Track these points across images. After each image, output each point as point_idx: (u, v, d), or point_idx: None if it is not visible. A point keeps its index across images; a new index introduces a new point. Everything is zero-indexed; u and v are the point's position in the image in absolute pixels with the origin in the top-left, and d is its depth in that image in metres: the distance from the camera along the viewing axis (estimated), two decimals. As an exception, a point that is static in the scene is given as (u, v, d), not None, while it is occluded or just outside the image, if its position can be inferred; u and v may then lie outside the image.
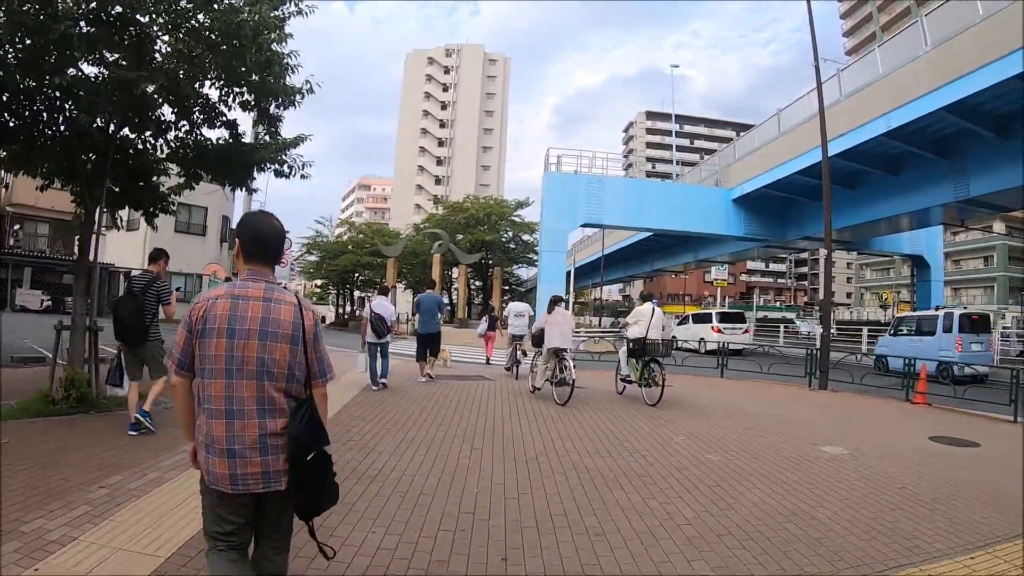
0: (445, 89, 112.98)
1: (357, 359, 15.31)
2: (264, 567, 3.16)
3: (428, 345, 14.92)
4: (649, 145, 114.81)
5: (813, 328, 53.21)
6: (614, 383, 13.98)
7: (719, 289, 72.05)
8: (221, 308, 2.96)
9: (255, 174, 12.54)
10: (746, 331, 33.25)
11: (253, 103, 10.84)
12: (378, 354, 13.41)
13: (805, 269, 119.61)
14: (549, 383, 12.50)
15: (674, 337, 30.10)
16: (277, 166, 11.83)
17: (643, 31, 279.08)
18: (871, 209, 28.51)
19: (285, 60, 10.49)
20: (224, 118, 11.13)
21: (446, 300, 57.41)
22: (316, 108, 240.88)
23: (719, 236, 36.52)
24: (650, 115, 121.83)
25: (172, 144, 11.37)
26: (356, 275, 60.84)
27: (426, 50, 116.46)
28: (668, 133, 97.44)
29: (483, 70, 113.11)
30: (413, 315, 15.21)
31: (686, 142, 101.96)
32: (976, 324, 21.74)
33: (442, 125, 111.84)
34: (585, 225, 35.67)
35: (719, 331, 31.12)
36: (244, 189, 13.07)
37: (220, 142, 11.38)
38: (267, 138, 11.73)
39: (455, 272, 56.18)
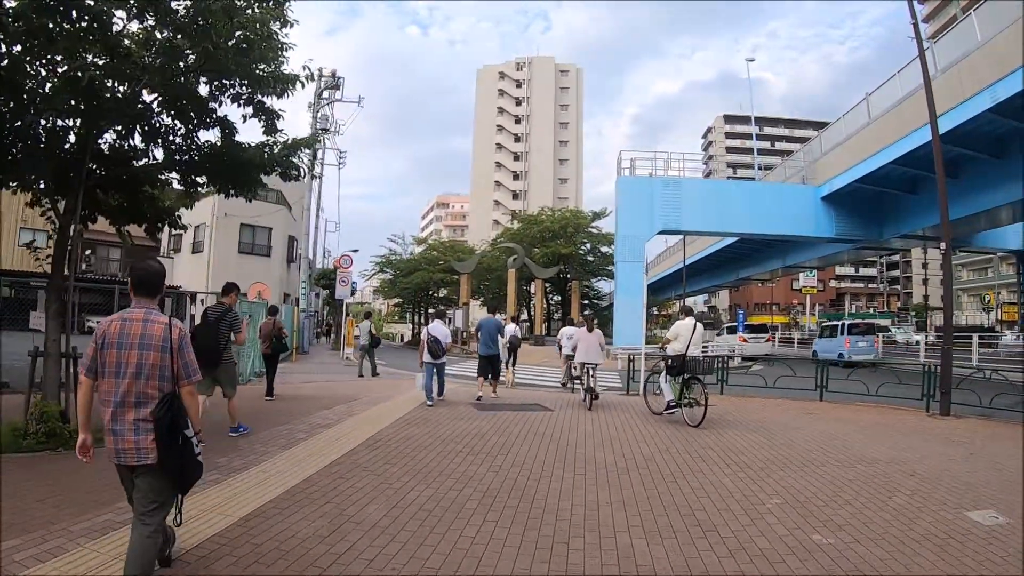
0: (518, 103, 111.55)
1: (416, 378, 16.09)
2: (137, 529, 4.02)
3: (489, 366, 15.22)
4: (729, 150, 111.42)
5: (910, 336, 49.99)
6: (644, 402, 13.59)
7: (808, 297, 68.82)
8: (114, 328, 4.09)
9: (263, 178, 11.39)
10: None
11: (246, 96, 9.99)
12: (434, 373, 13.85)
13: (897, 272, 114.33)
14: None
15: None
16: (284, 169, 11.03)
17: (719, 35, 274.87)
18: (973, 200, 25.36)
19: (275, 40, 9.47)
20: (214, 115, 10.22)
21: (524, 316, 56.14)
22: (398, 130, 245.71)
23: (808, 238, 33.59)
24: (728, 119, 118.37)
25: (164, 149, 10.46)
26: (431, 293, 59.62)
27: (497, 65, 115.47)
28: (748, 136, 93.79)
29: (555, 81, 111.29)
30: (475, 336, 16.85)
31: (767, 145, 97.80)
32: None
33: (517, 139, 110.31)
34: (663, 232, 33.16)
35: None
36: (251, 194, 11.65)
37: (218, 144, 10.52)
38: (270, 137, 10.68)
39: (533, 287, 54.21)
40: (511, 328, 20.13)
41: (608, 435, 10.19)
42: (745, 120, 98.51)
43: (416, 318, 68.56)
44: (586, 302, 60.60)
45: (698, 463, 8.33)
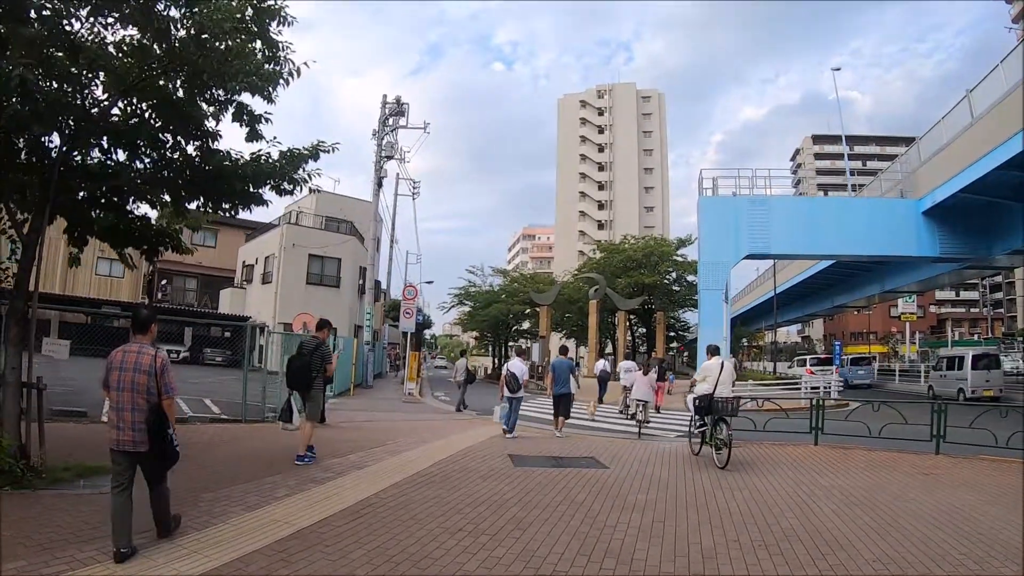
0: (600, 131, 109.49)
1: (494, 410, 17.55)
2: (153, 496, 5.94)
3: (561, 404, 15.51)
4: (819, 172, 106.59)
5: (1020, 364, 46.34)
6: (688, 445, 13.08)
7: (907, 324, 64.77)
8: (118, 356, 5.79)
9: (263, 193, 10.31)
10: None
11: (224, 97, 9.27)
12: (511, 407, 15.03)
13: (999, 295, 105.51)
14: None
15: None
16: (285, 184, 10.11)
17: (803, 57, 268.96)
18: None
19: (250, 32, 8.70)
20: (194, 123, 9.32)
21: (610, 350, 54.39)
22: (487, 165, 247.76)
23: (908, 259, 30.39)
24: (817, 139, 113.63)
25: (140, 161, 9.79)
26: (510, 325, 57.98)
27: (577, 93, 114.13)
28: (838, 156, 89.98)
29: (637, 108, 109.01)
30: (550, 377, 16.16)
31: (858, 164, 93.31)
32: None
33: (601, 168, 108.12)
34: (750, 257, 30.29)
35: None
36: (246, 209, 10.57)
37: (199, 155, 9.66)
38: (263, 147, 9.78)
39: (616, 319, 51.78)
40: (600, 364, 24.07)
41: (661, 511, 7.84)
42: (834, 140, 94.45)
43: (497, 351, 66.85)
44: (672, 334, 57.96)
45: (782, 552, 6.19)
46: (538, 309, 48.10)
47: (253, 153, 9.78)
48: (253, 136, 9.58)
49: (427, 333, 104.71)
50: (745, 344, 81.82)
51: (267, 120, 9.71)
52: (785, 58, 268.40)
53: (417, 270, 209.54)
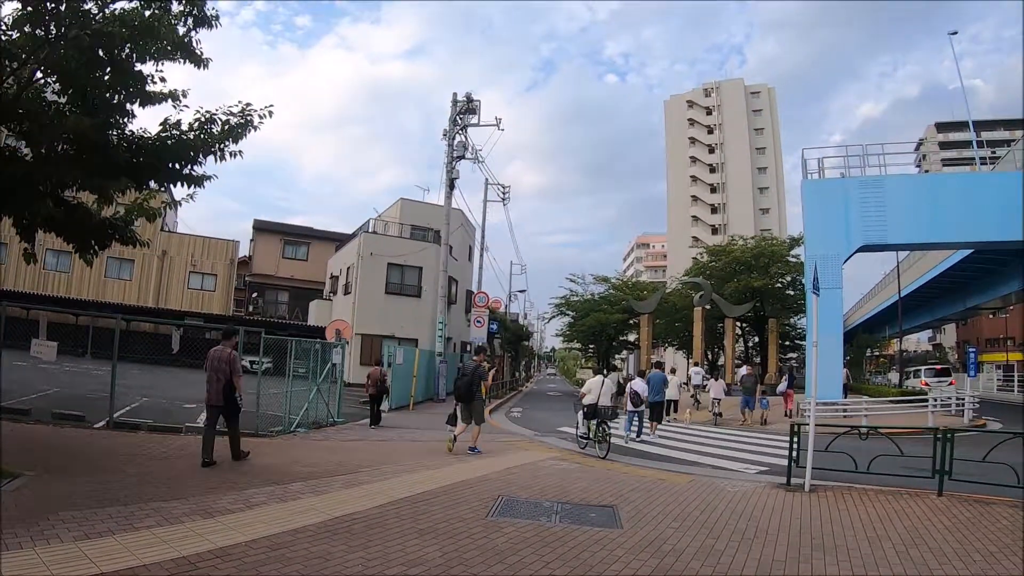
0: (710, 131, 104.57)
1: (620, 421, 18.98)
2: (230, 434, 10.72)
3: (654, 410, 19.29)
4: (945, 163, 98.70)
5: None
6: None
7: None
8: (211, 353, 10.68)
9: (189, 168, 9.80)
10: None
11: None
12: (634, 418, 18.09)
13: None
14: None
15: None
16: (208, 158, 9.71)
17: (920, 47, 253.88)
18: None
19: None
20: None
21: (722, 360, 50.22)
22: (604, 177, 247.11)
23: None
24: (940, 127, 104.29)
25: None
26: (611, 336, 54.73)
27: (684, 94, 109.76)
28: (965, 145, 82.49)
29: (747, 104, 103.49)
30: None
31: (987, 153, 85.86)
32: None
33: (712, 170, 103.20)
34: (864, 249, 25.79)
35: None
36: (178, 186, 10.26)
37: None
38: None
39: (724, 326, 47.85)
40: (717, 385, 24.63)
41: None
42: (960, 127, 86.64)
43: (600, 363, 63.63)
44: (786, 343, 53.49)
45: None
46: (639, 319, 44.51)
47: (164, 126, 9.37)
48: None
49: (547, 346, 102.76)
50: (871, 354, 75.64)
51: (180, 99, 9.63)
52: (902, 50, 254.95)
53: (521, 280, 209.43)
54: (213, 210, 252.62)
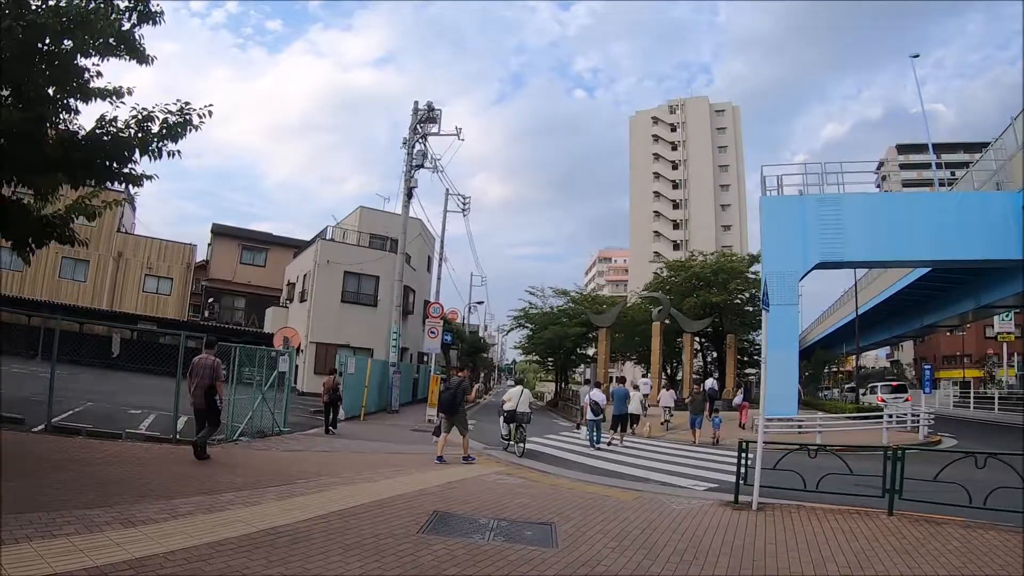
0: (674, 148, 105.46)
1: (581, 430, 22.15)
2: (205, 430, 11.69)
3: (620, 421, 20.84)
4: (904, 183, 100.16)
5: None
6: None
7: (1004, 345, 59.11)
8: (196, 360, 11.76)
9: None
10: None
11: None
12: (595, 427, 19.74)
13: None
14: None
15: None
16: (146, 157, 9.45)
17: (884, 70, 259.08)
18: None
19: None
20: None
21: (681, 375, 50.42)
22: (570, 191, 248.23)
23: (1009, 263, 25.32)
24: (901, 149, 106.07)
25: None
26: (568, 348, 54.53)
27: (649, 110, 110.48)
28: (924, 167, 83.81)
29: (711, 122, 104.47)
30: (608, 402, 21.79)
31: (946, 174, 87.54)
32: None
33: (675, 186, 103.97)
34: (821, 266, 25.80)
35: None
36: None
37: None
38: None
39: (683, 342, 47.90)
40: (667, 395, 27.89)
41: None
42: (920, 149, 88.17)
43: (559, 377, 63.41)
44: (745, 358, 53.85)
45: None
46: (597, 332, 44.38)
47: (100, 122, 9.14)
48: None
49: (508, 359, 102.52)
50: (832, 369, 76.42)
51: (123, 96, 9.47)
52: (867, 72, 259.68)
53: (482, 292, 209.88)
54: (176, 213, 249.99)
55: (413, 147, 30.73)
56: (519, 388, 18.30)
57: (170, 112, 9.32)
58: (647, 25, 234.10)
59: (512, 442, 17.26)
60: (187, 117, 9.38)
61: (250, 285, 47.16)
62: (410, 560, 6.24)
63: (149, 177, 9.87)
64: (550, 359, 62.69)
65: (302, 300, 37.28)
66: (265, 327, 41.45)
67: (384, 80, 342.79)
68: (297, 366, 35.60)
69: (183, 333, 13.54)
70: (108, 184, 9.93)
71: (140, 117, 9.23)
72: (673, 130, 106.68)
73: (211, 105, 9.49)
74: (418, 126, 30.89)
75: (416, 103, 31.20)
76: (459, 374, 16.01)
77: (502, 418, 17.84)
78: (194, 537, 6.49)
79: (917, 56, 38.28)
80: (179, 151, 9.47)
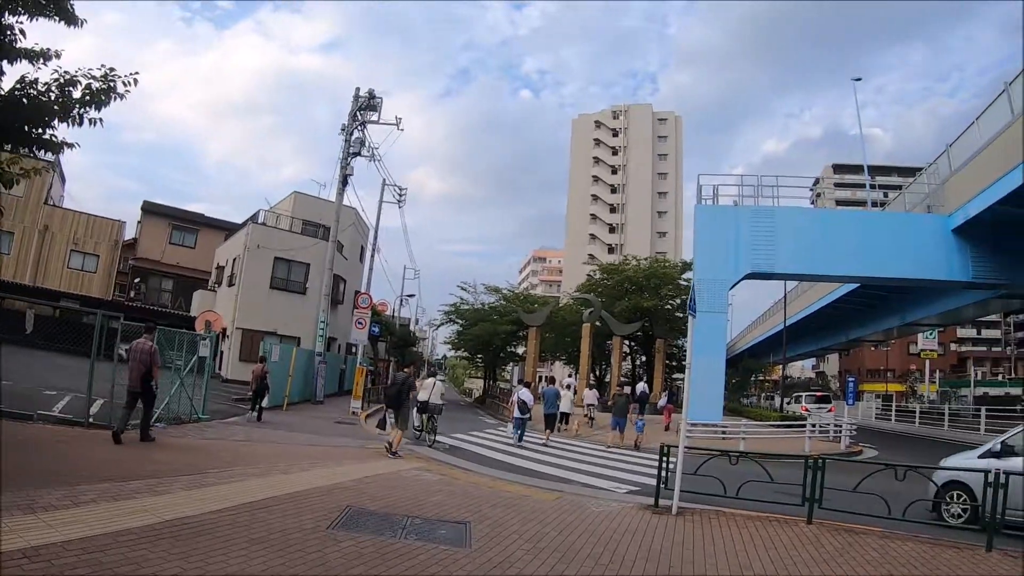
0: (614, 152, 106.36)
1: (508, 427, 23.26)
2: (144, 413, 12.29)
3: (550, 419, 21.91)
4: (838, 202, 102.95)
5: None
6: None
7: (927, 361, 61.02)
8: (135, 343, 12.28)
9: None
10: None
11: None
12: (521, 424, 20.48)
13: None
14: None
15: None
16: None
17: (827, 93, 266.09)
18: None
19: None
20: None
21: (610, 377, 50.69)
22: (510, 190, 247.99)
23: (936, 283, 26.05)
24: (837, 168, 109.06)
25: None
26: (497, 346, 54.51)
27: (592, 114, 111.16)
28: (859, 186, 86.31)
29: (653, 130, 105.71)
30: (538, 401, 23.27)
31: (879, 195, 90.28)
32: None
33: (613, 190, 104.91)
34: (752, 276, 26.12)
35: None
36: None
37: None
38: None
39: (613, 344, 48.17)
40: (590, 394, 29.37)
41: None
42: (855, 169, 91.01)
43: (488, 374, 63.33)
44: (674, 363, 54.41)
45: None
46: (527, 331, 44.37)
47: (19, 84, 8.71)
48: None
49: (439, 354, 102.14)
50: (759, 378, 77.88)
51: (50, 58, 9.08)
52: (809, 93, 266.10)
53: (415, 285, 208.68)
54: (110, 189, 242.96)
55: (351, 134, 30.17)
56: (432, 380, 18.56)
57: (94, 78, 8.90)
58: (598, 31, 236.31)
59: (424, 432, 17.80)
60: (111, 84, 8.97)
61: (179, 267, 45.85)
62: (316, 557, 6.04)
63: (70, 145, 9.38)
64: (479, 356, 62.68)
65: (230, 284, 36.43)
66: (192, 310, 40.34)
67: (330, 67, 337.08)
68: (222, 352, 34.92)
69: (99, 312, 13.12)
70: (25, 149, 9.45)
71: (62, 81, 8.81)
72: (615, 135, 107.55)
73: (137, 73, 9.10)
74: (358, 113, 30.34)
75: (357, 89, 30.65)
76: (405, 370, 16.59)
77: (415, 409, 17.79)
78: (95, 526, 6.23)
79: (859, 80, 39.16)
80: (101, 119, 9.07)
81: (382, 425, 16.42)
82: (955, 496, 10.77)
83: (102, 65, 9.00)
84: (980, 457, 11.26)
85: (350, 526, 7.33)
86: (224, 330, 33.83)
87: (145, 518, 6.70)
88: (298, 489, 9.15)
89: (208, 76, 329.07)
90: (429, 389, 17.76)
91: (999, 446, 11.08)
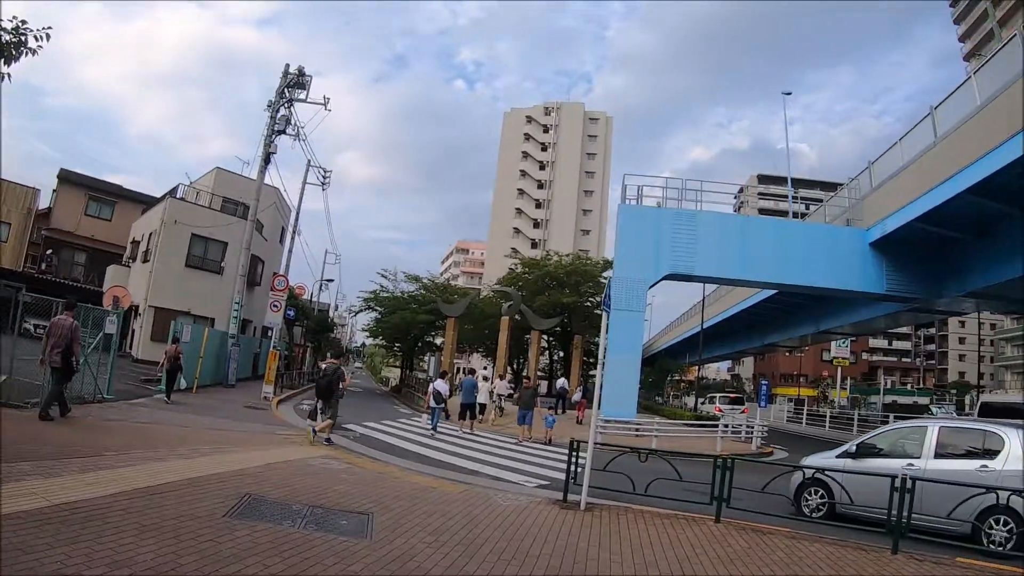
0: (544, 148, 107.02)
1: (423, 416, 24.51)
2: (52, 387, 12.25)
3: (467, 409, 22.38)
4: (762, 211, 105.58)
5: (952, 416, 44.86)
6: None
7: (839, 369, 63.09)
8: (55, 320, 12.41)
9: None
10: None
11: None
12: (436, 414, 21.01)
13: (932, 347, 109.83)
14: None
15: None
16: None
17: (756, 107, 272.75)
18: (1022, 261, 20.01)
19: None
20: None
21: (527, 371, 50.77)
22: (439, 180, 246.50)
23: (851, 294, 27.01)
24: (762, 179, 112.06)
25: None
26: (415, 335, 54.25)
27: (525, 108, 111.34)
28: (782, 198, 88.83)
29: (583, 129, 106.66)
30: (457, 391, 25.05)
31: (801, 207, 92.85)
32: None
33: (540, 186, 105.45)
34: (671, 277, 26.37)
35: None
36: None
37: None
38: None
39: (531, 339, 48.34)
40: (502, 384, 30.64)
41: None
42: (780, 181, 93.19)
43: (405, 363, 62.88)
44: (591, 360, 54.82)
45: None
46: (446, 322, 44.20)
47: None
48: None
49: (358, 341, 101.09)
50: (675, 378, 79.31)
51: None
52: (740, 105, 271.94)
53: (336, 271, 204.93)
54: (23, 153, 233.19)
55: (277, 111, 29.47)
56: (333, 365, 18.27)
57: (3, 29, 8.33)
58: (536, 28, 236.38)
59: (319, 413, 17.33)
60: (22, 38, 8.40)
61: (93, 240, 44.16)
62: (208, 545, 5.87)
63: None
64: (397, 344, 62.19)
65: (145, 260, 35.32)
66: (105, 285, 39.09)
67: (266, 43, 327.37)
68: (134, 331, 33.92)
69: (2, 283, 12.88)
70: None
71: None
72: (545, 131, 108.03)
73: (49, 28, 8.57)
74: (285, 89, 29.60)
75: (287, 66, 29.88)
76: (334, 361, 17.69)
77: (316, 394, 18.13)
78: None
79: (789, 94, 40.03)
80: (9, 74, 8.59)
81: (313, 415, 16.25)
82: (814, 492, 11.36)
83: (13, 17, 8.51)
84: (838, 457, 11.84)
85: (248, 514, 7.16)
86: (136, 308, 32.87)
87: (34, 501, 6.42)
88: (198, 475, 8.90)
89: (137, 43, 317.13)
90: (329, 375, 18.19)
91: (854, 447, 11.75)
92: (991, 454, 10.12)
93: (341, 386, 16.16)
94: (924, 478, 9.50)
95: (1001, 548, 8.98)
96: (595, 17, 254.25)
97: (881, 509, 9.09)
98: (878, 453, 11.43)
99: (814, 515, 11.01)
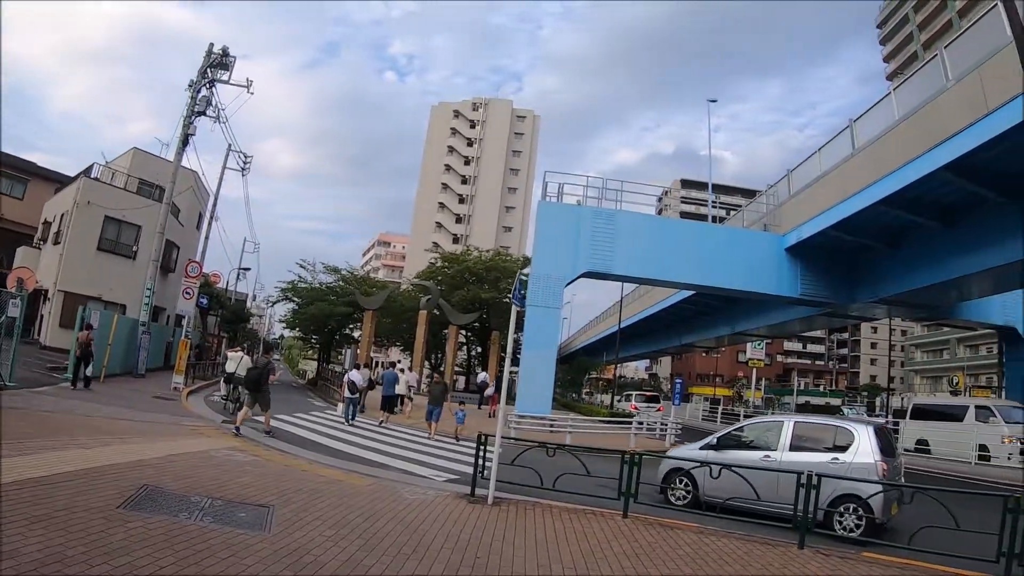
0: (470, 144, 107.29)
1: (338, 407, 24.27)
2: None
3: (388, 401, 22.93)
4: (684, 215, 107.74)
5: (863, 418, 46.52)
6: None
7: (754, 370, 64.70)
8: None
9: None
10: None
11: None
12: (351, 403, 21.99)
13: (845, 351, 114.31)
14: None
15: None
16: None
17: (684, 113, 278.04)
18: (971, 258, 20.59)
19: None
20: None
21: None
22: (365, 171, 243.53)
23: (766, 297, 28.01)
24: (685, 183, 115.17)
25: None
26: (331, 327, 53.69)
27: (453, 103, 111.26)
28: (704, 202, 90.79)
29: (510, 126, 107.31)
30: (379, 383, 24.58)
31: (723, 213, 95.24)
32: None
33: (464, 181, 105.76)
34: (589, 275, 26.94)
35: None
36: None
37: None
38: None
39: (448, 333, 48.26)
40: (411, 376, 29.93)
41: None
42: (702, 186, 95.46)
43: (322, 356, 62.18)
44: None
45: None
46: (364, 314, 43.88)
47: None
48: None
49: (276, 332, 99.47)
50: (593, 376, 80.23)
51: None
52: (667, 111, 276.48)
53: (254, 259, 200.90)
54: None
55: (199, 91, 28.76)
56: (240, 353, 20.01)
57: None
58: (470, 24, 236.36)
59: (228, 401, 19.57)
60: None
61: (3, 219, 42.44)
62: (98, 537, 5.75)
63: None
64: (315, 337, 61.47)
65: (56, 243, 33.96)
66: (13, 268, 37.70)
67: (198, 24, 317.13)
68: (43, 316, 32.78)
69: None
70: None
71: None
72: (472, 127, 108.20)
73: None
74: (208, 69, 28.83)
75: (211, 44, 29.13)
76: (265, 355, 18.13)
77: (222, 379, 20.12)
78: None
79: (715, 101, 40.97)
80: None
81: (239, 406, 16.78)
82: (679, 481, 12.04)
83: None
84: (701, 448, 12.53)
85: (143, 506, 7.04)
86: (45, 292, 31.79)
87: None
88: (95, 465, 8.68)
89: (62, 16, 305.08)
90: (236, 362, 18.97)
91: (715, 440, 12.54)
92: (842, 448, 10.88)
93: (271, 379, 16.36)
94: (779, 469, 10.32)
95: (854, 534, 9.76)
96: (531, 16, 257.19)
97: (742, 499, 9.93)
98: (738, 445, 12.12)
99: (678, 503, 11.69)
